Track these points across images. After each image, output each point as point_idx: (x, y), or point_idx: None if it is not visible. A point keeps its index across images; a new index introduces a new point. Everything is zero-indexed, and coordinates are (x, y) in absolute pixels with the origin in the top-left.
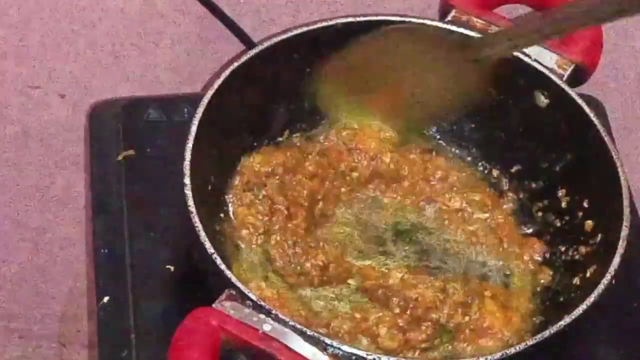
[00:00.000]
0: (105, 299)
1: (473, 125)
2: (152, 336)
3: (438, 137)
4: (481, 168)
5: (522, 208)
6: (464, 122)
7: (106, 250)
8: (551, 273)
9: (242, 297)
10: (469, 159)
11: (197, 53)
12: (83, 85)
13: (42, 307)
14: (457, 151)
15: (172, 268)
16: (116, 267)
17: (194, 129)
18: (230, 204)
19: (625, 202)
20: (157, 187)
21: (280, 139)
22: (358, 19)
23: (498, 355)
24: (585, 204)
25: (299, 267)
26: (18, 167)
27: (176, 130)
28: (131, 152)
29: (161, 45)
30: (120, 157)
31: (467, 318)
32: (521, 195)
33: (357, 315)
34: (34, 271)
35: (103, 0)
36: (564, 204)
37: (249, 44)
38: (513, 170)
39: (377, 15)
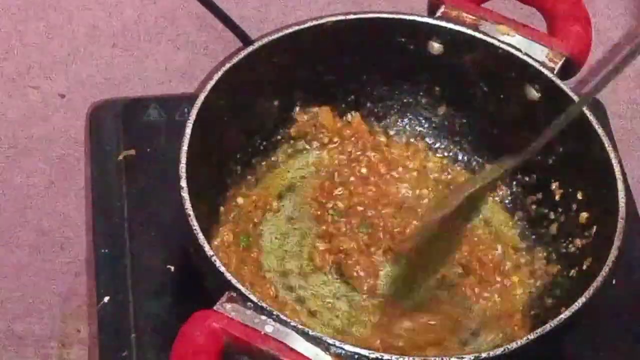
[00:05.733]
0: (105, 299)
1: (465, 120)
2: (152, 336)
3: (430, 132)
4: (474, 162)
5: (516, 201)
6: (455, 116)
7: (106, 250)
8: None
9: (243, 299)
10: (461, 153)
11: (197, 52)
12: (83, 85)
13: (42, 307)
14: (450, 146)
15: (172, 268)
16: (116, 267)
17: (188, 131)
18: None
19: (621, 194)
20: (157, 187)
21: (273, 139)
22: (348, 17)
23: (499, 350)
24: (579, 196)
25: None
26: (18, 167)
27: (176, 130)
28: (131, 152)
29: (161, 45)
30: (120, 157)
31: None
32: (514, 189)
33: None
34: (34, 271)
35: (103, 0)
36: (557, 197)
37: (248, 42)
38: None
39: (367, 13)
